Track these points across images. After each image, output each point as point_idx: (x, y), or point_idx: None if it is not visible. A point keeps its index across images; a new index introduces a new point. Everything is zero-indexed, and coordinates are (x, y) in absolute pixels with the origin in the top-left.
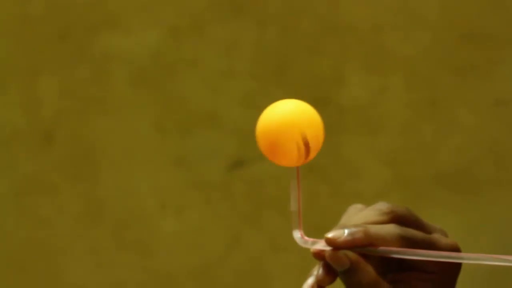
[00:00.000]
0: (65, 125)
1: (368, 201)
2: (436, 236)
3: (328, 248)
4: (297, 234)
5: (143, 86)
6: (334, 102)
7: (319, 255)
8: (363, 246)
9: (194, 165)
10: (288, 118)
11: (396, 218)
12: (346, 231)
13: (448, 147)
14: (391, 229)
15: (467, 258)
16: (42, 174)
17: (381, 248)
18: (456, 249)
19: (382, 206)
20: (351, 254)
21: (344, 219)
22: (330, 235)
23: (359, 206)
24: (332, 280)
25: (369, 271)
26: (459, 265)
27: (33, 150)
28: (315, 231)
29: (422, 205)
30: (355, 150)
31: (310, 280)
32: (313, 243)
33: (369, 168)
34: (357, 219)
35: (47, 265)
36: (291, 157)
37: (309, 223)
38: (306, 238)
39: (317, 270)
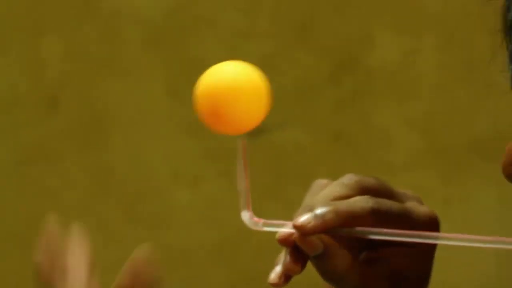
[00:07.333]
0: (71, 89)
1: (399, 171)
2: (411, 205)
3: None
4: (246, 215)
5: (155, 46)
6: (362, 65)
7: (285, 241)
8: (335, 227)
9: (211, 132)
10: (231, 81)
11: (365, 190)
12: (314, 213)
13: (485, 112)
14: (363, 202)
15: (458, 239)
16: (46, 141)
17: (358, 228)
18: (433, 218)
19: (348, 179)
20: (324, 237)
21: (308, 198)
22: (299, 222)
23: (323, 181)
24: (302, 268)
25: (344, 255)
26: None
27: (36, 116)
28: None
29: (457, 176)
30: (385, 116)
31: (278, 269)
32: (266, 224)
33: (399, 135)
34: (323, 196)
35: None
36: (233, 124)
37: None
38: (256, 219)
39: (285, 257)
